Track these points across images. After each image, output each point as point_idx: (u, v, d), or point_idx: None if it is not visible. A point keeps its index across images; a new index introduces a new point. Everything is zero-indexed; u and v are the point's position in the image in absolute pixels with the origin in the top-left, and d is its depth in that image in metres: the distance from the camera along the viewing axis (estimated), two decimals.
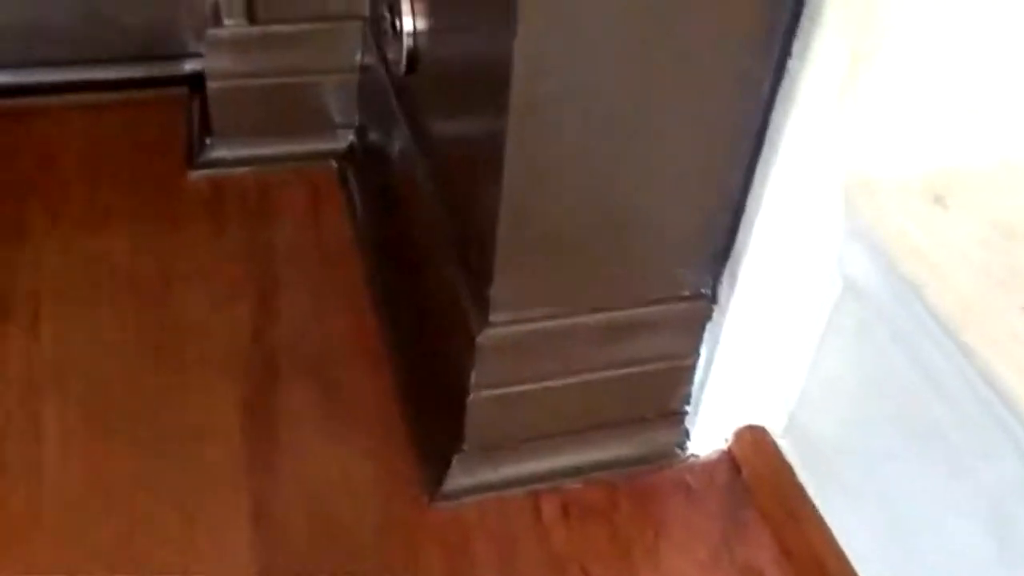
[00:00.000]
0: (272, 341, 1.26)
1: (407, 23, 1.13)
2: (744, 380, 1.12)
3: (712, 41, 0.87)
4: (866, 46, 0.88)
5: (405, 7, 1.13)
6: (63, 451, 1.12)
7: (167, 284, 1.31)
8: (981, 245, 0.96)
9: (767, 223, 0.99)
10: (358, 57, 1.44)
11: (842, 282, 1.03)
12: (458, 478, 1.10)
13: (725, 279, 1.04)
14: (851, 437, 1.07)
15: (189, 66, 1.54)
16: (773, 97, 0.92)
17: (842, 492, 1.09)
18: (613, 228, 0.98)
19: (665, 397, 1.14)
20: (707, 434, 1.16)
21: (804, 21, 0.87)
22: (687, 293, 1.05)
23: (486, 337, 1.00)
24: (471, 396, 1.05)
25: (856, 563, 1.06)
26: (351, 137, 1.51)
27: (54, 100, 1.53)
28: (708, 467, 1.17)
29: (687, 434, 1.16)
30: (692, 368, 1.11)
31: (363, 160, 1.48)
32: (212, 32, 1.39)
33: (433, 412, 1.14)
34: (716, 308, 1.06)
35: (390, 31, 1.19)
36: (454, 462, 1.10)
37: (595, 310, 1.03)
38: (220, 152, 1.46)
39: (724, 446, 1.18)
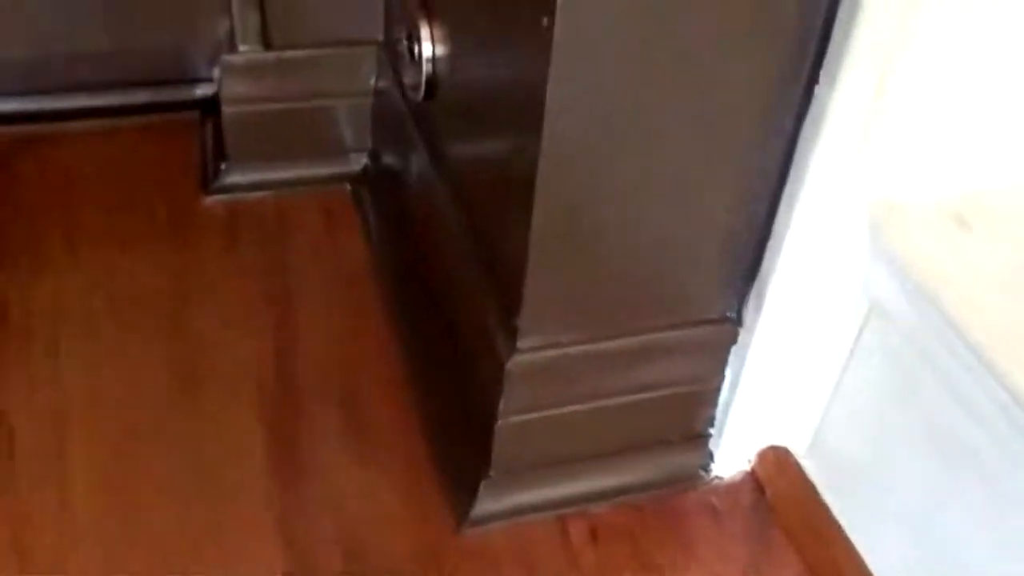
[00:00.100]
0: (294, 365, 1.26)
1: (426, 49, 1.14)
2: (769, 402, 1.12)
3: (741, 72, 0.88)
4: (892, 73, 0.89)
5: (424, 33, 1.14)
6: (87, 475, 1.12)
7: (187, 309, 1.31)
8: (1005, 265, 0.97)
9: (794, 247, 0.99)
10: (372, 81, 1.44)
11: (867, 304, 1.03)
12: (486, 504, 1.10)
13: (751, 302, 1.05)
14: (877, 457, 1.08)
15: (200, 90, 1.55)
16: (800, 124, 0.93)
17: (868, 511, 1.10)
18: (641, 255, 0.98)
19: (690, 420, 1.14)
20: (731, 456, 1.17)
21: (832, 49, 0.88)
22: (714, 316, 1.06)
23: (515, 364, 1.01)
24: (499, 422, 1.05)
25: None
26: (364, 160, 1.51)
27: (65, 126, 1.53)
28: (732, 488, 1.17)
29: (711, 456, 1.16)
30: (717, 391, 1.12)
31: (377, 183, 1.49)
32: (227, 58, 1.40)
33: (459, 437, 1.14)
34: (742, 331, 1.07)
35: (408, 57, 1.19)
36: (482, 488, 1.10)
37: (622, 335, 1.04)
38: (235, 177, 1.47)
39: (747, 467, 1.18)
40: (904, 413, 1.03)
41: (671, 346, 1.06)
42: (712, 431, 1.16)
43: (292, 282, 1.38)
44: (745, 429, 1.15)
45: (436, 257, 1.26)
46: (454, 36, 1.11)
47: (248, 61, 1.40)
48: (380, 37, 1.41)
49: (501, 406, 1.04)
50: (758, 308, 1.04)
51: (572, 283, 0.98)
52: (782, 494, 1.16)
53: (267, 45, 1.39)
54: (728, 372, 1.11)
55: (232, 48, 1.39)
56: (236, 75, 1.40)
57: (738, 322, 1.07)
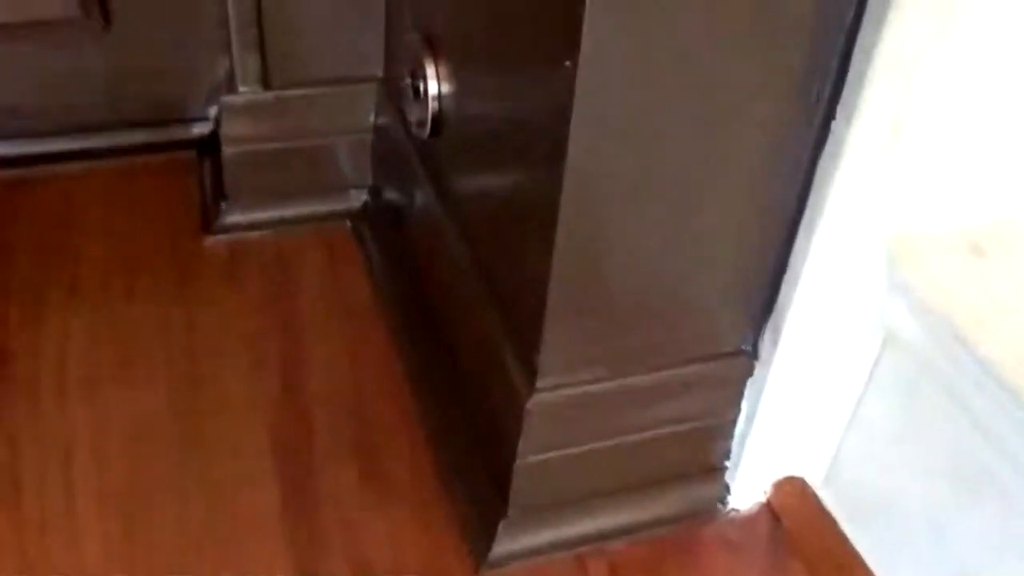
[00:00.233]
0: (302, 404, 1.25)
1: (432, 87, 1.13)
2: (785, 433, 1.12)
3: (759, 110, 0.88)
4: (909, 106, 0.90)
5: (430, 71, 1.13)
6: (99, 518, 1.11)
7: (193, 348, 1.30)
8: (1021, 292, 0.97)
9: (810, 279, 0.99)
10: (372, 117, 1.44)
11: (883, 333, 1.03)
12: (505, 544, 1.09)
13: (767, 334, 1.05)
14: (894, 485, 1.08)
15: (197, 129, 1.55)
16: (816, 157, 0.93)
17: (886, 540, 1.09)
18: (659, 291, 0.98)
19: (707, 453, 1.14)
20: (747, 487, 1.16)
21: (849, 84, 0.88)
22: (729, 350, 1.06)
23: (535, 403, 1.00)
24: (518, 462, 1.04)
25: None
26: (364, 196, 1.51)
27: (61, 168, 1.52)
28: (749, 520, 1.17)
29: (728, 488, 1.16)
30: (733, 423, 1.12)
31: (378, 219, 1.48)
32: (227, 99, 1.39)
33: (476, 477, 1.13)
34: (758, 363, 1.07)
35: (412, 94, 1.19)
36: (500, 528, 1.09)
37: (639, 371, 1.03)
38: (235, 217, 1.46)
39: (763, 498, 1.18)
40: (921, 442, 1.03)
41: (689, 381, 1.05)
42: (728, 463, 1.15)
43: (298, 319, 1.37)
44: (761, 461, 1.15)
45: (443, 293, 1.26)
46: (461, 74, 1.11)
47: (248, 102, 1.39)
48: (380, 74, 1.40)
49: (520, 446, 1.03)
50: (774, 341, 1.04)
51: (591, 320, 0.98)
52: (799, 525, 1.16)
53: (267, 85, 1.38)
54: (744, 404, 1.10)
55: (232, 89, 1.38)
56: (236, 116, 1.40)
57: (754, 355, 1.07)
